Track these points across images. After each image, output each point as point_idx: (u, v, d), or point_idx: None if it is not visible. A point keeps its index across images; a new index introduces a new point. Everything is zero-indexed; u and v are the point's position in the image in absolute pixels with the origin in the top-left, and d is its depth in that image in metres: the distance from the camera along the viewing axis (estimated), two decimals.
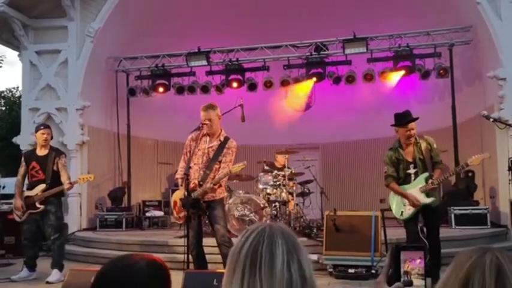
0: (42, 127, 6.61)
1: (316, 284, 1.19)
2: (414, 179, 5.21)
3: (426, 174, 5.16)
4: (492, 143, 8.47)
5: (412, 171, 5.22)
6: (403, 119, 5.24)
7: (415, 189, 5.16)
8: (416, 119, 5.24)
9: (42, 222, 6.30)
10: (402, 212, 5.22)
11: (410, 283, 1.24)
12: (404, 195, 5.19)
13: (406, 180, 5.25)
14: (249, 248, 1.15)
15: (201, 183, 5.13)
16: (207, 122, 5.19)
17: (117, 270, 1.37)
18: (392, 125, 5.34)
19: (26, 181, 6.61)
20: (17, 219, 6.41)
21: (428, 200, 5.12)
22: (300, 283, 1.12)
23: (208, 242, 5.51)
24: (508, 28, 8.31)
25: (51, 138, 6.67)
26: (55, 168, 6.37)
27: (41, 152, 6.46)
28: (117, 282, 1.34)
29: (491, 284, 1.05)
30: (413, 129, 5.19)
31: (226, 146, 5.25)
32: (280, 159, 9.15)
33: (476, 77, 9.43)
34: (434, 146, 5.30)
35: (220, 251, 5.16)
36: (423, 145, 5.22)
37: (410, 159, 5.23)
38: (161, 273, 1.40)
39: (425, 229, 5.30)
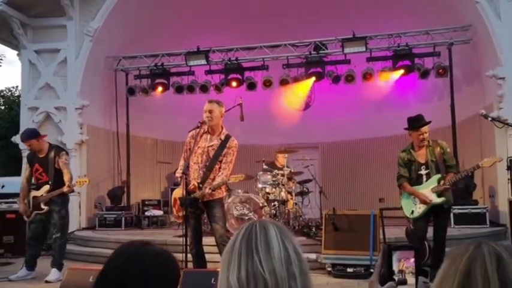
0: (25, 140, 6.45)
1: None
2: (426, 180, 5.35)
3: (438, 175, 5.30)
4: (491, 142, 8.48)
5: (423, 172, 5.37)
6: (416, 123, 5.41)
7: (427, 189, 5.30)
8: (429, 122, 5.41)
9: (47, 222, 6.33)
10: (413, 210, 5.35)
11: (405, 282, 1.25)
12: (415, 194, 5.34)
13: (418, 181, 5.39)
14: (243, 237, 1.20)
15: (200, 185, 5.07)
16: (208, 113, 5.10)
17: (132, 251, 1.40)
18: (405, 129, 5.50)
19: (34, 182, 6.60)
20: (25, 218, 6.48)
21: (439, 200, 5.26)
22: (297, 260, 1.17)
23: (207, 241, 5.50)
24: (507, 27, 8.32)
25: (41, 140, 6.44)
26: (56, 166, 6.33)
27: (41, 153, 6.44)
28: (131, 259, 1.37)
29: (494, 272, 1.07)
30: (426, 132, 5.36)
31: (227, 145, 5.16)
32: (281, 159, 9.11)
33: (476, 76, 9.43)
34: (448, 150, 5.53)
35: (219, 251, 5.13)
36: (436, 149, 5.38)
37: (422, 161, 5.39)
38: (173, 261, 1.46)
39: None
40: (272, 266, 1.14)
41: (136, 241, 1.45)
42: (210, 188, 5.03)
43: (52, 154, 6.36)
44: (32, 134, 6.52)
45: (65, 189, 6.21)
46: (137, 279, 1.33)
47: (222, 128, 5.27)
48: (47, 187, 6.28)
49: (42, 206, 6.25)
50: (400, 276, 1.25)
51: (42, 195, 6.28)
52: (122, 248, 1.42)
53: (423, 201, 5.26)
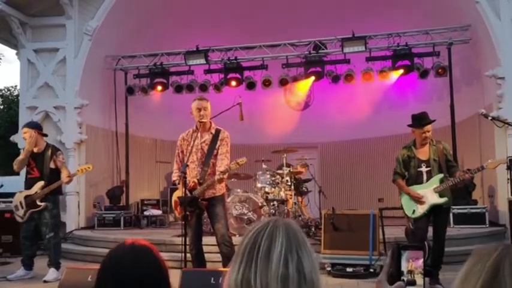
0: (22, 127, 6.53)
1: (320, 281, 1.17)
2: (426, 178, 5.29)
3: (441, 175, 5.25)
4: (491, 142, 8.47)
5: (424, 169, 5.32)
6: (420, 121, 5.36)
7: (429, 189, 5.24)
8: (433, 121, 5.37)
9: (39, 221, 6.28)
10: (414, 210, 5.29)
11: (414, 282, 1.23)
12: (407, 191, 5.29)
13: (418, 179, 5.33)
14: (249, 240, 1.17)
15: (200, 181, 5.06)
16: (203, 111, 5.14)
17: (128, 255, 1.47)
18: (408, 125, 5.45)
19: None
20: (19, 219, 6.37)
21: (441, 200, 5.22)
22: (297, 279, 1.11)
23: (207, 241, 5.48)
24: (506, 27, 8.32)
25: (39, 135, 6.41)
26: (52, 165, 6.33)
27: (36, 149, 6.41)
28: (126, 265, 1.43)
29: None
30: (429, 131, 5.32)
31: (219, 138, 5.20)
32: (302, 170, 8.92)
33: (475, 76, 9.43)
34: (451, 153, 5.55)
35: (220, 251, 5.10)
36: (439, 148, 5.34)
37: (423, 158, 5.34)
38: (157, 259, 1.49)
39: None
40: (266, 282, 1.09)
41: (122, 243, 1.53)
42: (218, 174, 4.97)
43: (49, 152, 6.37)
44: (34, 125, 6.72)
45: (66, 179, 6.31)
46: (123, 278, 1.40)
47: (211, 123, 5.31)
48: (41, 183, 6.21)
49: (38, 203, 6.19)
50: (410, 277, 1.24)
51: (36, 192, 6.21)
52: (110, 251, 1.50)
53: (416, 200, 5.22)
